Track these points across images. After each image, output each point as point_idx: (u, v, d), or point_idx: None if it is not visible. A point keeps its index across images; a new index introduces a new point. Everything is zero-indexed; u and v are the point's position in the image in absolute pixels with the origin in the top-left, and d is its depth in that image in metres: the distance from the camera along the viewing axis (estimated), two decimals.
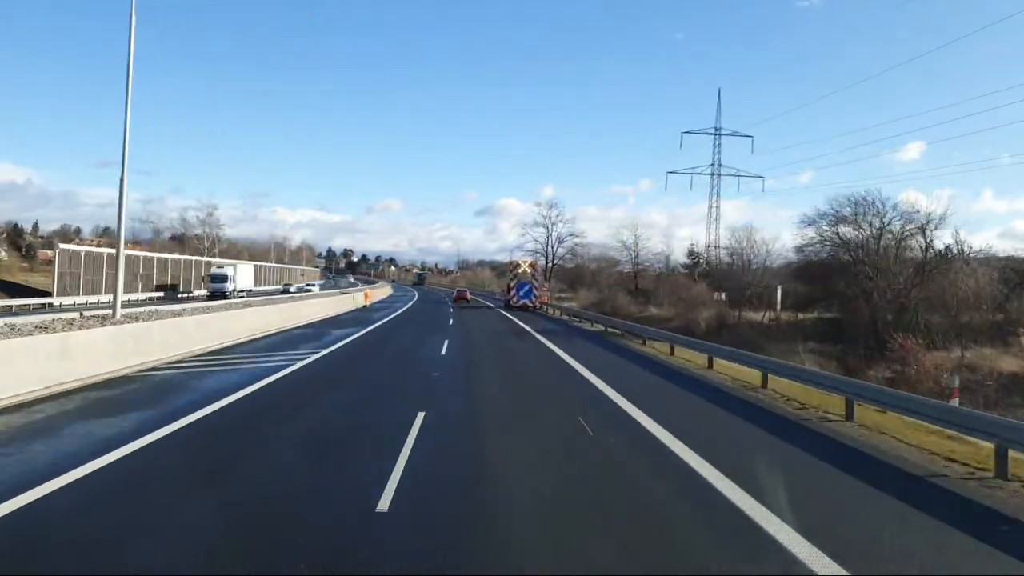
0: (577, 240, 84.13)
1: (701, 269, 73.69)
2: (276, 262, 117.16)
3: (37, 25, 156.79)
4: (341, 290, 56.54)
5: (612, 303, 47.54)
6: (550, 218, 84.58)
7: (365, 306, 51.79)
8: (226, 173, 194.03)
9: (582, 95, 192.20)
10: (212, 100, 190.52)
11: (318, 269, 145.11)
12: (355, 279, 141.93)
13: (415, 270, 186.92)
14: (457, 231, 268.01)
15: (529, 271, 53.04)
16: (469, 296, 72.56)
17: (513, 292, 50.86)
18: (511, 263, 54.06)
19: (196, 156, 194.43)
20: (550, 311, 49.18)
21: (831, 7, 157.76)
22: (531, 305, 50.38)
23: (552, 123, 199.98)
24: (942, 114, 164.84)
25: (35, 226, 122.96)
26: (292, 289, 63.68)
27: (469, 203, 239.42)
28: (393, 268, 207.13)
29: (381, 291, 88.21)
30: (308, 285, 71.69)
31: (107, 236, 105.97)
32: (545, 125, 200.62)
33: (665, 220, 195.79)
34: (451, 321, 35.50)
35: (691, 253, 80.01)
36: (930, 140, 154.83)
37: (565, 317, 41.97)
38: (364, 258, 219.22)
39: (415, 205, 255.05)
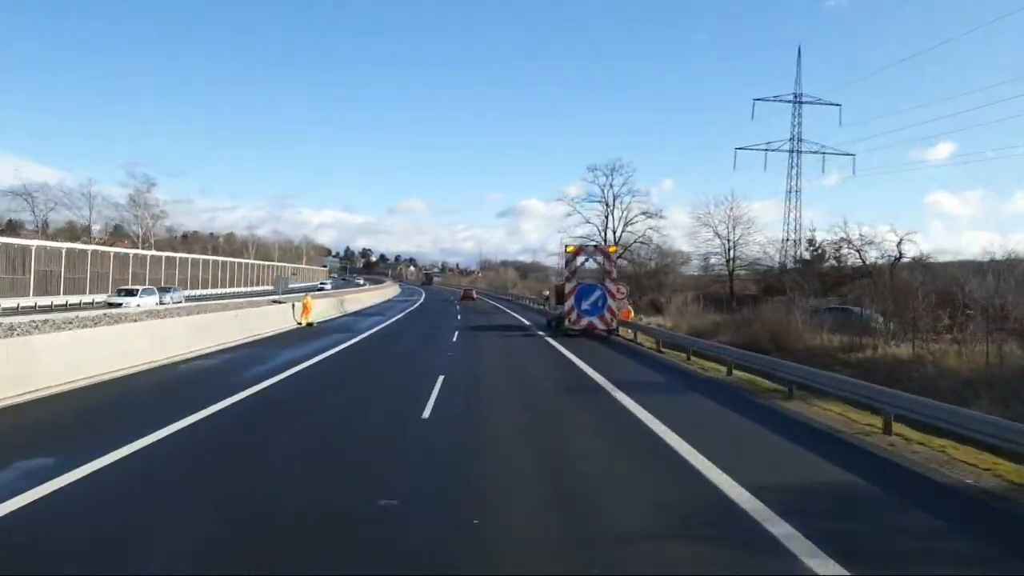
0: (652, 224, 59.79)
1: (829, 265, 50.10)
2: (261, 259, 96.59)
3: (64, 27, 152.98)
4: (275, 298, 33.42)
5: (768, 330, 23.74)
6: (611, 188, 60.33)
7: (310, 324, 29.06)
8: (252, 174, 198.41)
9: (610, 94, 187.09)
10: (239, 102, 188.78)
11: (325, 269, 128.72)
12: (364, 280, 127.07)
13: (433, 270, 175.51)
14: (479, 232, 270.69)
15: (602, 262, 29.76)
16: (475, 295, 71.33)
17: (570, 304, 27.41)
18: (568, 251, 30.22)
19: (222, 158, 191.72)
20: (643, 342, 25.68)
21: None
22: (604, 329, 27.06)
23: (577, 123, 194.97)
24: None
25: (45, 223, 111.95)
26: (167, 299, 38.15)
27: (491, 204, 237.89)
28: (412, 268, 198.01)
29: (384, 291, 70.42)
30: (124, 293, 36.87)
31: (117, 234, 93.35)
32: (569, 125, 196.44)
33: (689, 221, 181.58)
34: (434, 393, 12.19)
35: (811, 241, 55.64)
36: (960, 135, 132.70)
37: (743, 379, 17.88)
38: (383, 258, 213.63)
39: (438, 206, 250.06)
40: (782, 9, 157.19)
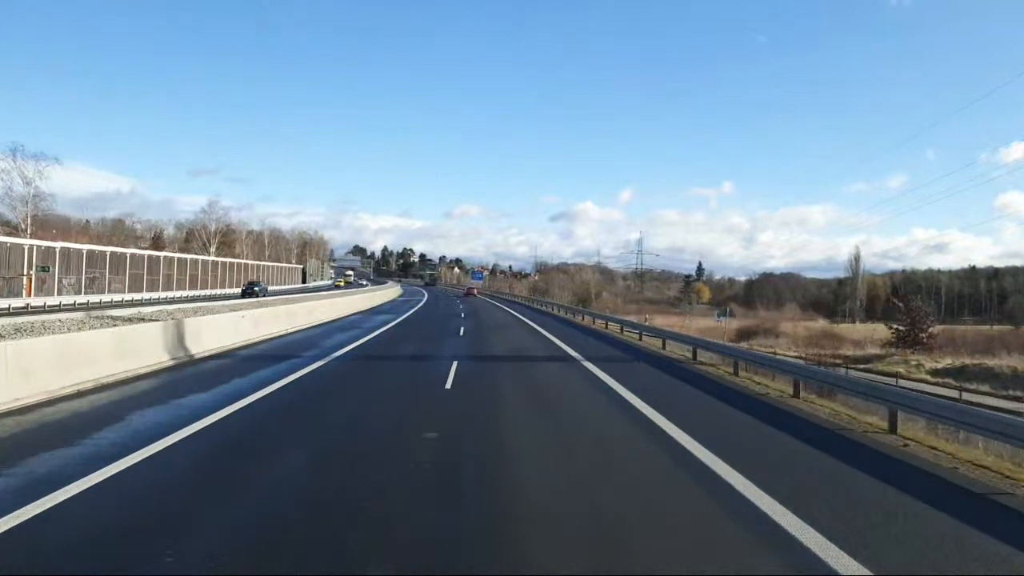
0: None
1: None
2: (214, 254, 70.85)
3: (128, 40, 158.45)
4: None
5: None
6: None
7: None
8: (314, 182, 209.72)
9: (662, 95, 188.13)
10: (304, 110, 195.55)
11: (300, 267, 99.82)
12: (366, 281, 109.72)
13: (482, 270, 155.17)
14: (532, 236, 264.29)
15: None
16: (477, 292, 78.65)
17: None
18: None
19: (288, 164, 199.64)
20: None
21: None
22: None
23: (632, 125, 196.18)
24: None
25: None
26: None
27: (546, 208, 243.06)
28: (457, 270, 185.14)
29: (368, 297, 47.61)
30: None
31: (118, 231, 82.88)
32: (625, 128, 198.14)
33: (747, 224, 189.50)
34: None
35: None
36: None
37: None
38: (423, 258, 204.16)
39: (493, 210, 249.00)
40: None
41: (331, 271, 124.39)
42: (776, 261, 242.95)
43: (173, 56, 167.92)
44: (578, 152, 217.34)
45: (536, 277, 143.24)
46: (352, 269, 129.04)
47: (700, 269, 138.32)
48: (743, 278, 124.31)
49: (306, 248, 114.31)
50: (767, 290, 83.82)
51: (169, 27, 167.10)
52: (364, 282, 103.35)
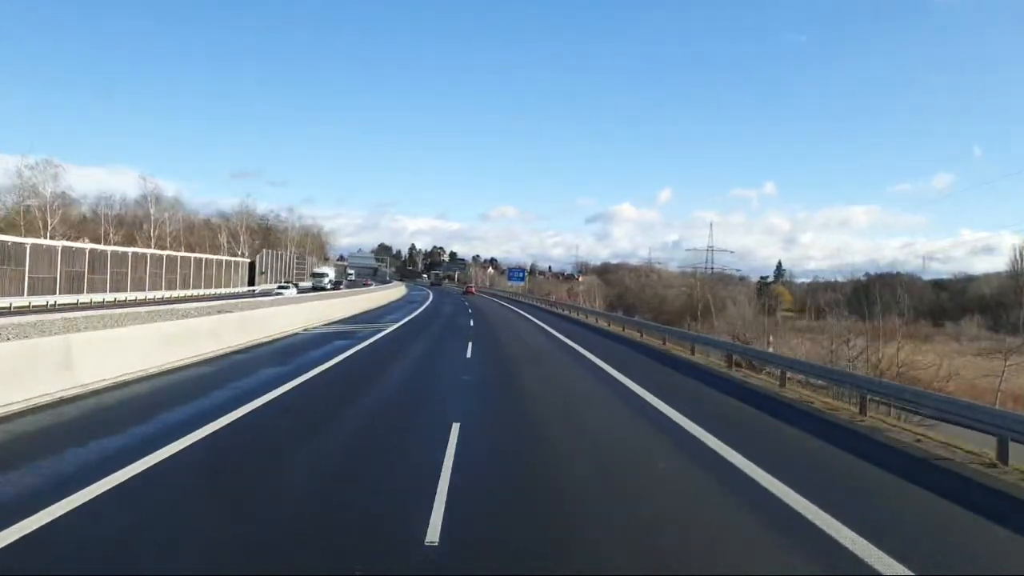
0: None
1: None
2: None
3: (175, 48, 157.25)
4: None
5: None
6: None
7: None
8: (353, 185, 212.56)
9: (702, 97, 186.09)
10: (343, 114, 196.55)
11: (244, 259, 74.84)
12: (370, 282, 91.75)
13: (521, 268, 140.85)
14: (568, 237, 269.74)
15: None
16: (475, 290, 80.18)
17: None
18: None
19: (327, 168, 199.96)
20: None
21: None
22: None
23: (672, 127, 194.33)
24: None
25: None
26: None
27: (582, 209, 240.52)
28: (491, 271, 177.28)
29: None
30: None
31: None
32: (664, 130, 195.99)
33: (787, 226, 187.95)
34: None
35: None
36: None
37: None
38: (454, 256, 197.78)
39: (529, 212, 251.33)
40: None
41: (348, 270, 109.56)
42: (817, 263, 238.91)
43: (214, 61, 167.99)
44: (615, 154, 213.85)
45: (580, 279, 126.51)
46: (351, 268, 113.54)
47: (780, 270, 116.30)
48: (840, 279, 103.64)
49: (268, 238, 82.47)
50: (885, 295, 59.40)
51: (196, 31, 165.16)
52: (358, 282, 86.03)
